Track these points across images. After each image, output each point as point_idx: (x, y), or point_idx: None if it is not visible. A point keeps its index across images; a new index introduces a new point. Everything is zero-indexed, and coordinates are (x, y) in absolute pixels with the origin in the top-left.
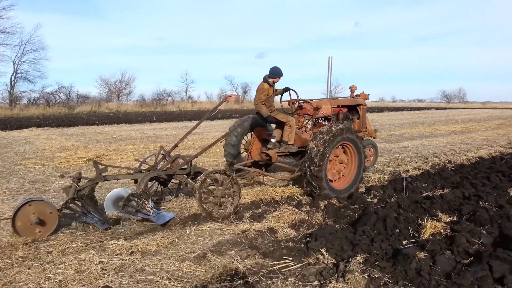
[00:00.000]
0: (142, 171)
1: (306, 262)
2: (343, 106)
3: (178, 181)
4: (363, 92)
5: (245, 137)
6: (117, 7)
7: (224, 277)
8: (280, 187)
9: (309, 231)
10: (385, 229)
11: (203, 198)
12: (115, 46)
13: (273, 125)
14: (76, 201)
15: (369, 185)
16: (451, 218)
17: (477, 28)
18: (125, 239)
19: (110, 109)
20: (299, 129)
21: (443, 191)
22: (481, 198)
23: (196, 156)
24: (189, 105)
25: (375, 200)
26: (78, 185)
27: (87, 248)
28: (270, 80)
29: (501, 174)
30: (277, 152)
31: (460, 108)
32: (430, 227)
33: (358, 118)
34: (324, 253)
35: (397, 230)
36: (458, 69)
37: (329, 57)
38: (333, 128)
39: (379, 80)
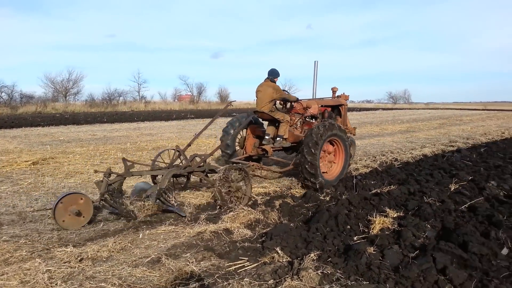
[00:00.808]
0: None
1: (262, 261)
2: (328, 106)
3: (186, 176)
4: (343, 93)
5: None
6: (62, 1)
7: (179, 281)
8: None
9: (264, 231)
10: (337, 225)
11: (222, 191)
12: (61, 43)
13: (265, 124)
14: (107, 194)
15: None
16: (398, 213)
17: (420, 32)
18: (73, 246)
19: (56, 109)
20: (290, 126)
21: (390, 187)
22: (425, 194)
23: (211, 154)
24: (142, 105)
25: (328, 198)
26: (108, 180)
27: (32, 256)
28: (275, 80)
29: (443, 170)
30: (272, 147)
31: (405, 109)
32: (379, 223)
33: (340, 117)
34: (279, 251)
35: (348, 227)
36: (403, 71)
37: (315, 61)
38: (324, 125)
39: (330, 81)
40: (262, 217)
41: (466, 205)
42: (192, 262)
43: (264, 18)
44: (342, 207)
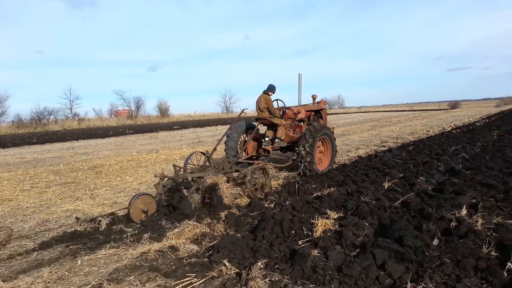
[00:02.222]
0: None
1: (210, 276)
2: (312, 111)
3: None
4: (322, 99)
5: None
6: None
7: None
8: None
9: (211, 244)
10: (282, 231)
11: (249, 185)
12: None
13: (263, 128)
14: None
15: (265, 191)
16: (338, 214)
17: (349, 40)
18: (3, 281)
19: None
20: (285, 129)
21: (330, 190)
22: (362, 193)
23: (237, 159)
24: (75, 123)
25: (272, 205)
26: (163, 183)
27: None
28: (270, 93)
29: (376, 170)
30: (272, 147)
31: (340, 113)
32: (321, 225)
33: (322, 119)
34: (227, 264)
35: (293, 231)
36: (336, 77)
37: (299, 74)
38: (316, 126)
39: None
40: (208, 230)
41: (399, 201)
42: (136, 285)
43: (201, 29)
44: (286, 212)
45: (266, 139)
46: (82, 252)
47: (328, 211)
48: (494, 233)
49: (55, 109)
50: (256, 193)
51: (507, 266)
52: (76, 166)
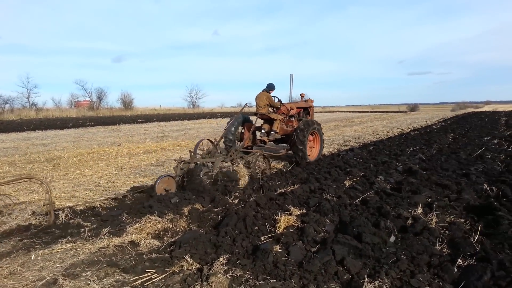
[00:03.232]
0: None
1: (170, 271)
2: (301, 108)
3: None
4: (309, 98)
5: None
6: None
7: None
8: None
9: (173, 239)
10: (245, 227)
11: (254, 169)
12: None
13: (258, 122)
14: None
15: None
16: (301, 211)
17: (316, 42)
18: None
19: None
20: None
21: (294, 187)
22: (324, 191)
23: (242, 146)
24: (32, 113)
25: (236, 201)
26: (181, 166)
27: None
28: (270, 91)
29: (339, 168)
30: (268, 139)
31: None
32: (284, 221)
33: (309, 115)
34: (188, 259)
35: (256, 227)
36: (303, 77)
37: (290, 74)
38: (308, 121)
39: (236, 87)
40: (171, 225)
41: (359, 199)
42: (93, 280)
43: (170, 22)
44: (250, 209)
45: (263, 131)
46: (37, 246)
47: (291, 208)
48: (447, 231)
49: (11, 97)
50: (258, 174)
51: (457, 262)
52: (32, 157)
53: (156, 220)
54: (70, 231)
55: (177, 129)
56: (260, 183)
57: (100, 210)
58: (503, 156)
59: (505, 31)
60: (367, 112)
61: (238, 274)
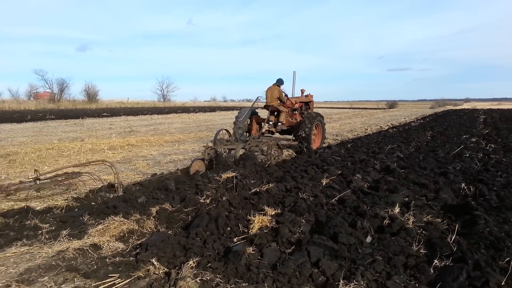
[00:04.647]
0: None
1: (136, 276)
2: (303, 102)
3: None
4: (309, 93)
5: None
6: None
7: None
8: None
9: (139, 242)
10: (217, 228)
11: (269, 155)
12: None
13: (263, 114)
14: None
15: (202, 187)
16: (276, 210)
17: (293, 35)
18: None
19: None
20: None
21: (269, 186)
22: (300, 190)
23: (259, 136)
24: None
25: (208, 201)
26: (208, 151)
27: None
28: (280, 86)
29: (315, 166)
30: (275, 130)
31: None
32: (258, 222)
33: (310, 109)
34: (155, 263)
35: (229, 228)
36: (281, 70)
37: (293, 71)
38: (312, 114)
39: (210, 80)
40: (137, 226)
41: (336, 198)
42: (51, 286)
43: (140, 9)
44: (223, 209)
45: (270, 123)
46: None
47: (266, 208)
48: (424, 231)
49: None
50: (271, 158)
51: (433, 263)
52: None
53: (120, 221)
54: (25, 233)
55: (146, 124)
56: (234, 182)
57: (59, 210)
58: (481, 155)
59: (486, 28)
60: (346, 108)
61: (208, 278)
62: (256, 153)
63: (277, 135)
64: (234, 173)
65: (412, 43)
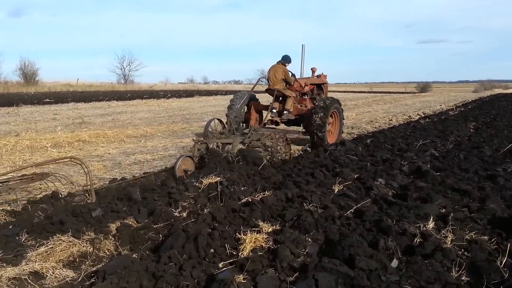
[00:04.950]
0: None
1: None
2: (314, 84)
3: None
4: (322, 73)
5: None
6: None
7: None
8: None
9: (94, 268)
10: (197, 250)
11: (274, 152)
12: None
13: (264, 99)
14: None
15: (176, 196)
16: (274, 226)
17: None
18: None
19: None
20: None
21: (264, 194)
22: (305, 199)
23: (263, 125)
24: None
25: (185, 214)
26: (198, 146)
27: None
28: (286, 64)
29: (325, 168)
30: (280, 119)
31: None
32: (250, 241)
33: (323, 93)
34: None
35: (212, 250)
36: (276, 42)
37: (302, 45)
38: (328, 99)
39: (187, 55)
40: (91, 248)
41: (352, 210)
42: None
43: None
44: (204, 224)
45: (273, 111)
46: None
47: (261, 223)
48: (466, 252)
49: None
50: (278, 157)
51: None
52: None
53: (70, 241)
54: None
55: (102, 114)
56: (219, 189)
57: None
58: None
59: None
60: (364, 92)
61: None
62: (257, 150)
63: (282, 126)
64: (219, 178)
65: (448, 7)
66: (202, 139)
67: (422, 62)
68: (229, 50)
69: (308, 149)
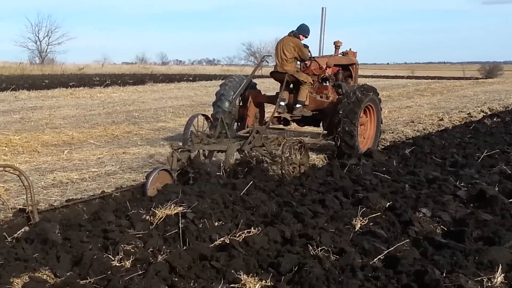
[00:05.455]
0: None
1: None
2: (340, 65)
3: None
4: (350, 49)
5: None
6: None
7: None
8: None
9: None
10: None
11: (285, 163)
12: None
13: (267, 87)
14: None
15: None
16: (263, 282)
17: None
18: None
19: None
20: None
21: (249, 232)
22: (311, 240)
23: (267, 125)
24: None
25: (128, 263)
26: (178, 155)
27: None
28: (302, 37)
29: (341, 193)
30: (291, 116)
31: None
32: None
33: (352, 79)
34: None
35: None
36: (283, 8)
37: (322, 8)
38: (360, 88)
39: (134, 21)
40: None
41: (381, 256)
42: None
43: None
44: (157, 279)
45: (281, 104)
46: None
47: (243, 277)
48: None
49: None
50: (291, 173)
51: None
52: None
53: None
54: None
55: (4, 110)
56: (181, 224)
57: None
58: None
59: None
60: (402, 78)
61: None
62: (261, 159)
63: (293, 126)
64: (181, 208)
65: None
66: (182, 144)
67: (488, 33)
68: (200, 14)
69: (317, 163)
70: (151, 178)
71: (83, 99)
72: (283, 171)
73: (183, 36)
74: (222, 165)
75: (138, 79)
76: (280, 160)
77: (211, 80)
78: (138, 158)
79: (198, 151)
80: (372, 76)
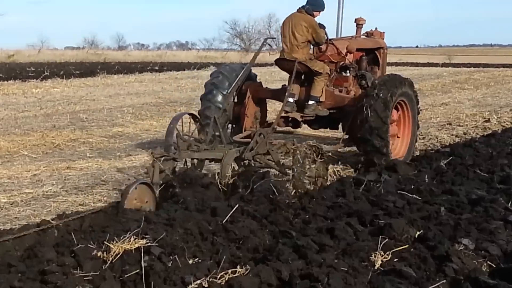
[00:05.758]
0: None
1: None
2: (363, 50)
3: None
4: (376, 28)
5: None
6: None
7: None
8: None
9: None
10: None
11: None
12: None
13: (273, 78)
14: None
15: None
16: None
17: None
18: None
19: None
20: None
21: (235, 271)
22: (316, 282)
23: (273, 128)
24: None
25: None
26: (160, 165)
27: None
28: (316, 14)
29: (356, 218)
30: (302, 115)
31: None
32: None
33: (378, 67)
34: None
35: None
36: None
37: None
38: (390, 79)
39: None
40: None
41: None
42: None
43: None
44: None
45: (290, 100)
46: None
47: None
48: None
49: None
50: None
51: None
52: None
53: None
54: None
55: None
56: (143, 264)
57: None
58: None
59: None
60: (436, 66)
61: None
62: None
63: (304, 128)
64: (144, 240)
65: None
66: (164, 152)
67: None
68: None
69: (326, 179)
70: (129, 194)
71: (13, 96)
72: (296, 187)
73: (146, 13)
74: (217, 178)
75: (87, 70)
76: (292, 173)
77: (184, 70)
78: (86, 174)
79: (186, 160)
80: (397, 64)
